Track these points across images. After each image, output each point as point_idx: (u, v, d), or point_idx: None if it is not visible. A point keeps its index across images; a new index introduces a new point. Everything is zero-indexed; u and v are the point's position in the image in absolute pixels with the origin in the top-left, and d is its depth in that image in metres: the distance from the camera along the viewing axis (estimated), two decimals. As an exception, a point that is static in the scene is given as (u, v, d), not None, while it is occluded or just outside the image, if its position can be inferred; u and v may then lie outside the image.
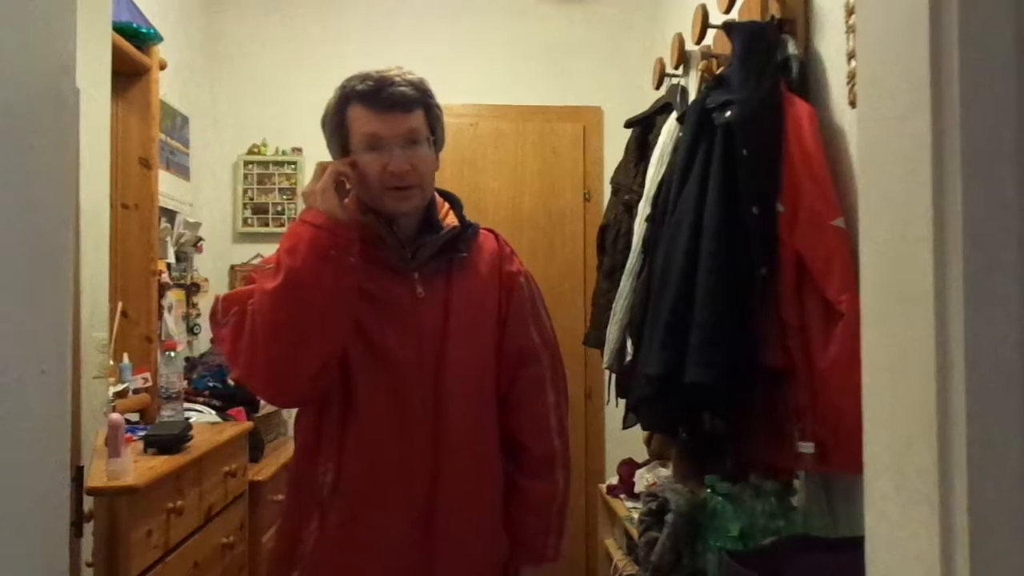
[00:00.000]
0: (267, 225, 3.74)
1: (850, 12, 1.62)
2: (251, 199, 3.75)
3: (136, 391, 2.53)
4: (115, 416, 1.83)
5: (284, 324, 1.29)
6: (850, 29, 1.63)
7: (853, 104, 1.63)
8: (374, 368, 1.40)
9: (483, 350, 1.48)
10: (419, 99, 1.42)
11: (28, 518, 0.81)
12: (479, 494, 1.46)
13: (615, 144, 3.49)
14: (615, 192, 2.81)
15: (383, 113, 1.38)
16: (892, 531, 0.80)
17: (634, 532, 2.36)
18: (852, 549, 0.95)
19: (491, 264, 1.52)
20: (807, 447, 1.59)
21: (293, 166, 3.75)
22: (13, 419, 0.78)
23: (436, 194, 1.52)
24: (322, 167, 1.38)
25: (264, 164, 3.76)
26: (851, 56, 1.63)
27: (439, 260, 1.46)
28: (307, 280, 1.29)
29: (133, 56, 2.55)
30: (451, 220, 1.49)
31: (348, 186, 1.39)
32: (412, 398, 1.41)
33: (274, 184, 3.76)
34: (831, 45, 1.77)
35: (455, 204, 1.54)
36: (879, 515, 0.83)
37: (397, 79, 1.40)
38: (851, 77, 1.63)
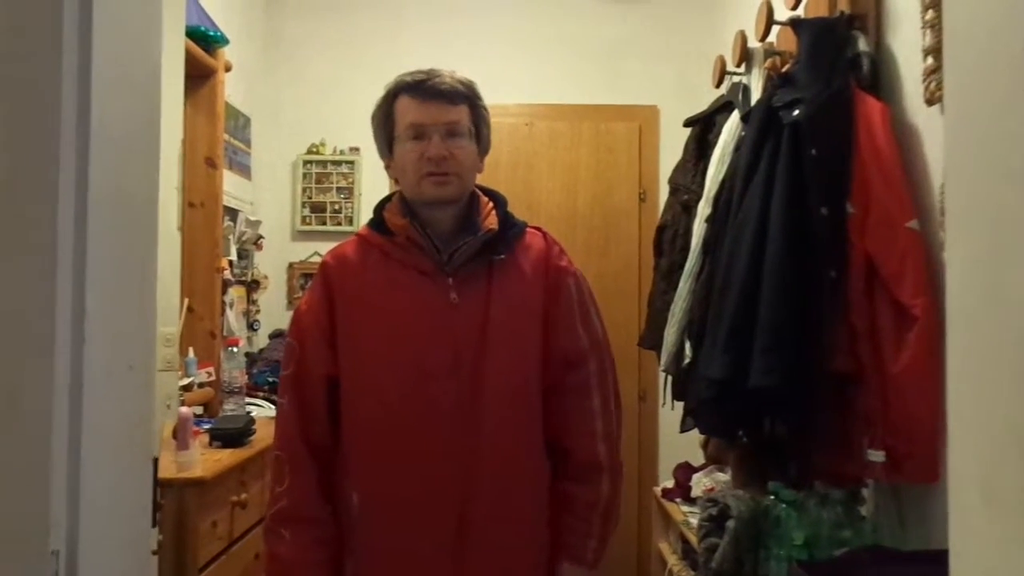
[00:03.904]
0: (324, 224, 3.80)
1: (927, 7, 1.57)
2: (309, 198, 3.81)
3: (200, 385, 2.60)
4: (185, 409, 1.88)
5: None
6: (927, 24, 1.58)
7: (930, 102, 1.58)
8: (402, 379, 1.39)
9: (526, 356, 1.43)
10: (465, 94, 1.44)
11: (116, 506, 0.84)
12: (519, 507, 1.42)
13: (671, 143, 3.45)
14: (673, 192, 2.77)
15: (427, 102, 1.42)
16: (979, 546, 0.77)
17: (691, 537, 2.33)
18: (930, 562, 0.92)
19: (537, 264, 1.48)
20: (877, 455, 1.55)
21: (351, 165, 3.80)
22: (103, 412, 0.80)
23: (480, 193, 1.51)
24: None
25: (322, 163, 3.81)
26: (928, 52, 1.58)
27: (477, 263, 1.43)
28: None
29: (201, 59, 2.61)
30: (491, 222, 1.46)
31: None
32: (445, 410, 1.38)
33: (332, 183, 3.81)
34: (905, 41, 1.72)
35: (499, 203, 1.51)
36: (965, 529, 0.80)
37: (445, 74, 1.44)
38: (927, 74, 1.58)
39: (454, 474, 1.38)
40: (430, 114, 1.41)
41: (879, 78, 1.79)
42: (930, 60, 1.57)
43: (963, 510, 0.79)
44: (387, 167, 1.51)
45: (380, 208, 1.51)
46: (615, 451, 1.49)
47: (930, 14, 1.56)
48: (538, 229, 1.55)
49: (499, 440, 1.39)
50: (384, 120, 1.47)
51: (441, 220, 1.44)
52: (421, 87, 1.42)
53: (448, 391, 1.38)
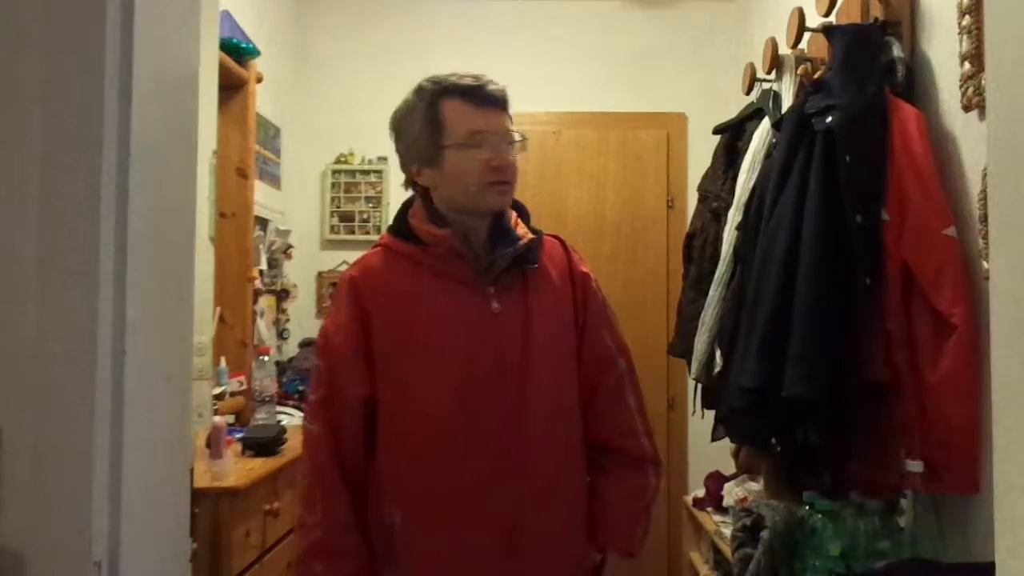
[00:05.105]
0: (353, 233, 3.83)
1: (964, 12, 1.54)
2: (338, 207, 3.84)
3: (232, 394, 2.62)
4: (218, 419, 1.89)
5: None
6: (963, 30, 1.55)
7: (967, 107, 1.56)
8: (446, 391, 1.35)
9: (565, 361, 1.43)
10: (507, 101, 1.43)
11: (155, 516, 0.85)
12: (569, 515, 1.41)
13: (699, 151, 3.44)
14: (702, 200, 2.75)
15: (484, 108, 1.38)
16: (1028, 560, 0.75)
17: (723, 546, 2.31)
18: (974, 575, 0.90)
19: (562, 272, 1.47)
20: (916, 465, 1.52)
21: (379, 175, 3.83)
22: (143, 424, 0.81)
23: None
24: None
25: (351, 173, 3.85)
26: (965, 58, 1.55)
27: (512, 273, 1.42)
28: None
29: (233, 70, 2.65)
30: (523, 230, 1.45)
31: None
32: (491, 420, 1.36)
33: (360, 193, 3.84)
34: (941, 47, 1.69)
35: (523, 213, 1.49)
36: (1013, 542, 0.78)
37: (490, 79, 1.42)
38: (964, 79, 1.56)
39: (503, 487, 1.35)
40: (489, 121, 1.38)
41: (914, 84, 1.76)
42: (967, 66, 1.55)
43: (1010, 522, 0.78)
44: (416, 174, 1.43)
45: (403, 215, 1.46)
46: (655, 445, 1.52)
47: (967, 19, 1.54)
48: (555, 236, 1.54)
49: (548, 447, 1.38)
50: (428, 125, 1.38)
51: (480, 230, 1.42)
52: (477, 92, 1.38)
53: (493, 401, 1.36)
